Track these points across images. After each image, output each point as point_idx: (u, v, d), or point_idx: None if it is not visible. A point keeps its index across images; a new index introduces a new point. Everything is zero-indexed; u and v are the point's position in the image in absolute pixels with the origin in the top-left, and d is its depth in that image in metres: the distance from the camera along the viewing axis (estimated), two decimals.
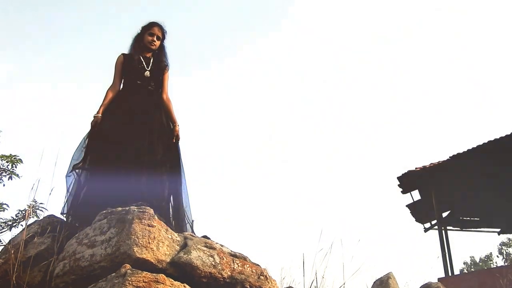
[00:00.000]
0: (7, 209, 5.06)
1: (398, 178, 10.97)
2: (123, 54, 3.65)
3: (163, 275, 2.36)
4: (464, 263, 33.43)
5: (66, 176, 3.37)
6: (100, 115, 3.40)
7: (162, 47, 3.75)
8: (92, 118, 3.41)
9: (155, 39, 3.65)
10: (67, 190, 3.34)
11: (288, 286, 4.07)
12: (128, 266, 2.35)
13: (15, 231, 4.84)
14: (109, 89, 3.55)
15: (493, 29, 45.39)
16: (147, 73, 3.54)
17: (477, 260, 33.27)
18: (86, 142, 3.39)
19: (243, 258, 2.87)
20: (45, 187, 3.18)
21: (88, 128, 3.44)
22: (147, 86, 3.52)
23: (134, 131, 3.30)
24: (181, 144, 3.63)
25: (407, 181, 11.09)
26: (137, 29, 3.74)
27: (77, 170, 3.33)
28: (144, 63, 3.57)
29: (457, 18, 46.92)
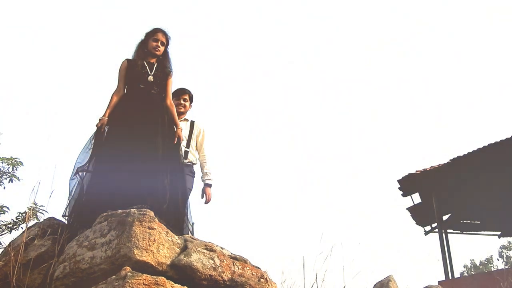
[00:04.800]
0: (7, 212, 5.05)
1: (399, 181, 10.95)
2: (127, 59, 3.70)
3: (163, 277, 2.36)
4: (464, 266, 33.38)
5: (70, 179, 3.38)
6: (106, 118, 3.46)
7: (166, 53, 3.79)
8: (98, 121, 3.46)
9: (159, 44, 3.70)
10: (70, 193, 3.35)
11: None
12: (128, 268, 2.35)
13: (16, 233, 4.83)
14: (113, 93, 3.62)
15: (494, 30, 45.50)
16: (150, 78, 3.58)
17: (478, 263, 33.21)
18: (93, 142, 3.42)
19: (244, 261, 2.87)
20: (46, 189, 3.19)
21: (93, 130, 3.47)
22: (150, 90, 3.56)
23: (137, 135, 3.33)
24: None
25: (407, 184, 11.07)
26: (141, 35, 3.78)
27: (80, 173, 3.34)
28: (147, 68, 3.62)
29: (456, 17, 47.04)
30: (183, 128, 4.34)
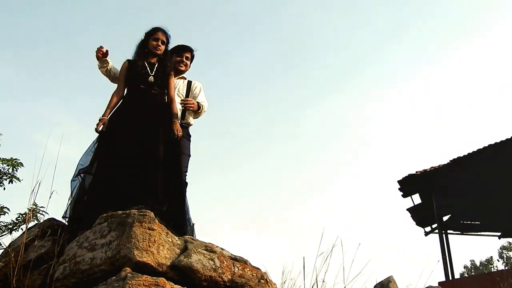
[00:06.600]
0: (7, 213, 5.04)
1: (399, 181, 10.95)
2: (128, 60, 3.71)
3: (163, 278, 2.36)
4: (464, 267, 33.40)
5: (71, 180, 3.38)
6: (106, 118, 3.46)
7: (166, 52, 3.78)
8: (98, 122, 3.45)
9: (159, 43, 3.70)
10: (71, 194, 3.35)
11: None
12: (128, 269, 2.35)
13: (16, 234, 4.83)
14: (113, 93, 3.63)
15: (494, 30, 45.49)
16: (151, 78, 3.58)
17: (478, 264, 33.23)
18: (96, 146, 3.42)
19: (244, 262, 2.87)
20: (45, 190, 3.19)
21: (94, 130, 3.46)
22: (150, 90, 3.56)
23: (137, 137, 3.32)
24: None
25: (407, 185, 11.07)
26: (141, 35, 3.77)
27: (82, 175, 3.34)
28: (148, 68, 3.62)
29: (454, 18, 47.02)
30: (181, 86, 4.25)
